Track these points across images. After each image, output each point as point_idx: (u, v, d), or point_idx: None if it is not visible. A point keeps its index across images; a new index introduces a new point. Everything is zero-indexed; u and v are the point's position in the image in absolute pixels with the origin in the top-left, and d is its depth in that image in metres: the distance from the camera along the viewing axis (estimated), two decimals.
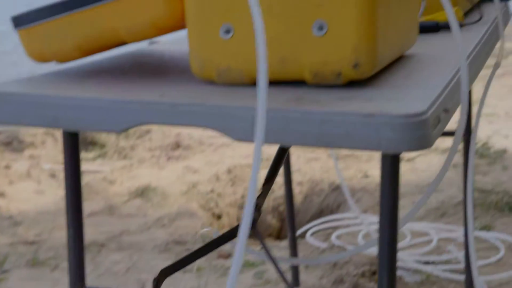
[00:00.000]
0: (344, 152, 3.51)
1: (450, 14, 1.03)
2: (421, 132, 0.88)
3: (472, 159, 1.69)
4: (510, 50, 7.26)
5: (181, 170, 3.54)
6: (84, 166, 3.61)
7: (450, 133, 2.13)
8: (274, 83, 1.06)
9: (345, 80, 1.03)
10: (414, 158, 3.42)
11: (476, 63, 1.29)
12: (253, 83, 1.05)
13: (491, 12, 1.75)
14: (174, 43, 1.52)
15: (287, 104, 0.94)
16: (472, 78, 1.25)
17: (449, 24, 1.49)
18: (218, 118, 0.94)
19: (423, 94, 0.97)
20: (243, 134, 0.93)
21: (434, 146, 3.57)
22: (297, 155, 3.49)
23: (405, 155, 3.47)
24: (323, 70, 1.02)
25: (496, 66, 1.62)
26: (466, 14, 1.69)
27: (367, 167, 3.33)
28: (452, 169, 3.18)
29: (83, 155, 3.86)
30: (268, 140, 0.92)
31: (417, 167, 3.33)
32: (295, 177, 3.27)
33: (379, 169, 1.01)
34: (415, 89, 1.01)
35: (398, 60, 1.22)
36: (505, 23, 1.79)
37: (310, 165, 3.40)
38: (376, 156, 3.43)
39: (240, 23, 1.03)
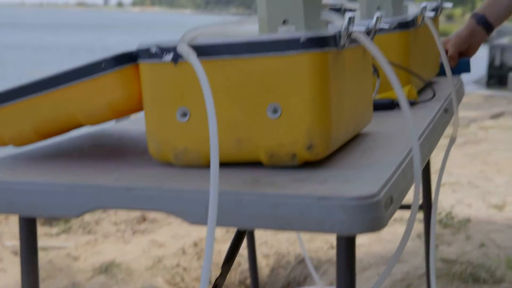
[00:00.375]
0: None
1: (400, 96, 1.06)
2: (373, 214, 0.90)
3: (434, 231, 1.71)
4: (471, 118, 7.41)
5: (147, 244, 3.51)
6: (48, 242, 3.56)
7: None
8: (231, 164, 1.07)
9: (300, 161, 1.04)
10: None
11: (430, 140, 1.32)
12: (209, 165, 1.06)
13: (445, 88, 1.80)
14: (138, 121, 1.54)
15: (242, 187, 0.95)
16: (426, 155, 1.27)
17: (405, 98, 1.54)
18: (173, 202, 0.95)
19: (376, 175, 0.99)
20: (198, 217, 0.94)
21: (399, 217, 3.60)
22: None
23: None
24: (278, 151, 1.04)
25: (452, 141, 1.65)
26: (421, 91, 1.73)
27: (333, 238, 3.33)
28: (417, 239, 3.20)
29: (47, 230, 3.81)
30: (222, 223, 0.93)
31: (383, 237, 3.34)
32: (262, 250, 3.26)
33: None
34: (368, 170, 1.03)
35: (354, 139, 1.25)
36: (459, 99, 1.84)
37: (277, 237, 3.39)
38: None
39: (196, 107, 1.05)
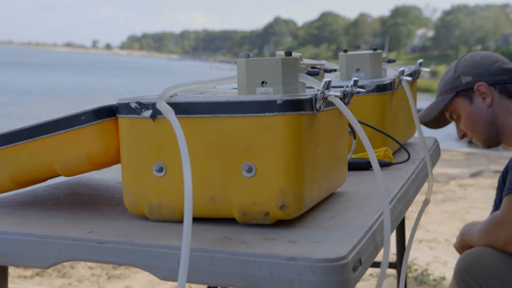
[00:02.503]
0: None
1: (372, 158, 1.08)
2: (341, 276, 0.91)
3: None
4: (451, 176, 7.47)
5: None
6: (20, 285, 3.52)
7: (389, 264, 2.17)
8: (205, 219, 1.09)
9: (272, 220, 1.06)
10: None
11: (403, 201, 1.35)
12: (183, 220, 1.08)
13: (421, 150, 1.83)
14: (117, 170, 1.55)
15: (214, 244, 0.97)
16: (398, 216, 1.29)
17: (380, 163, 1.56)
18: (145, 257, 0.96)
19: (346, 238, 1.01)
20: (168, 273, 0.95)
21: (374, 272, 3.60)
22: None
23: None
24: (252, 209, 1.06)
25: (425, 202, 1.68)
26: (397, 152, 1.76)
27: None
28: None
29: (21, 272, 3.78)
30: (192, 279, 0.94)
31: None
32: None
33: None
34: (339, 231, 1.05)
35: (328, 198, 1.27)
36: (434, 161, 1.87)
37: None
38: None
39: (172, 162, 1.07)
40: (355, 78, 1.27)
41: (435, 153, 1.89)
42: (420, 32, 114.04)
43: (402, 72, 1.65)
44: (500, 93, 1.91)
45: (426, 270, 3.65)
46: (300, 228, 1.06)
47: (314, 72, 1.21)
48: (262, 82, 1.13)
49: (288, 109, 1.04)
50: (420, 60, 1.86)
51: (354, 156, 1.60)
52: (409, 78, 1.63)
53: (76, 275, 3.73)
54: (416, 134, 1.97)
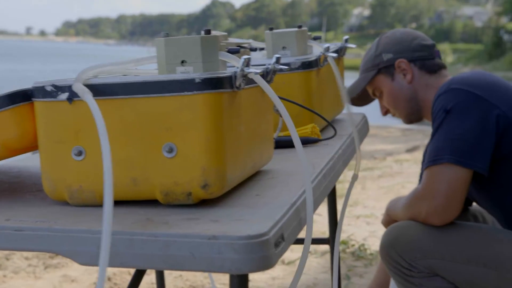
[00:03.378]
0: None
1: (294, 136, 1.08)
2: (262, 253, 0.91)
3: (336, 264, 1.74)
4: (388, 152, 7.59)
5: (58, 279, 3.44)
6: None
7: (323, 240, 2.19)
8: (128, 202, 1.07)
9: (196, 200, 1.06)
10: (294, 261, 3.47)
11: (330, 175, 1.36)
12: None
13: (348, 126, 1.85)
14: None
15: (134, 226, 0.96)
16: (324, 192, 1.30)
17: (307, 140, 1.57)
18: (64, 242, 0.94)
19: (269, 214, 1.01)
20: (89, 258, 0.93)
21: (313, 249, 3.64)
22: None
23: (285, 257, 3.51)
24: (174, 190, 1.05)
25: (354, 177, 1.69)
26: (325, 129, 1.77)
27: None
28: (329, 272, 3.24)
29: None
30: (114, 263, 0.93)
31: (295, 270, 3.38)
32: (176, 283, 3.24)
33: (260, 273, 1.02)
34: (262, 208, 1.05)
35: (254, 176, 1.27)
36: (362, 136, 1.89)
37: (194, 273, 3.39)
38: None
39: (91, 146, 1.05)
40: (277, 55, 1.27)
41: (363, 129, 1.91)
42: (356, 11, 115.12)
43: (327, 49, 1.65)
44: (420, 69, 1.94)
45: (363, 245, 3.70)
46: (223, 207, 1.06)
47: (235, 50, 1.21)
48: (182, 61, 1.12)
49: (207, 87, 1.03)
50: (346, 37, 1.87)
51: (282, 134, 1.60)
52: (334, 55, 1.64)
53: (12, 266, 3.67)
54: (345, 110, 1.99)
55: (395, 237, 1.79)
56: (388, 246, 1.80)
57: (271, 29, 1.70)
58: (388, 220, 1.95)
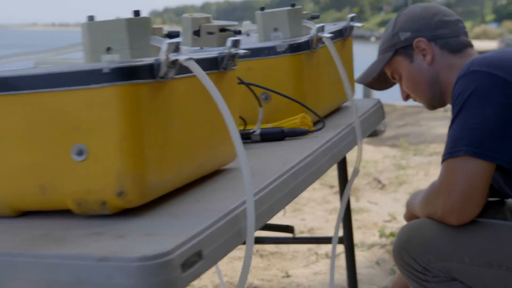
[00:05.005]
0: (269, 248, 3.38)
1: (234, 135, 0.92)
2: (162, 277, 0.76)
3: (333, 266, 1.57)
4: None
5: None
6: None
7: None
8: (39, 213, 0.94)
9: (112, 209, 0.91)
10: (339, 254, 3.29)
11: (306, 173, 1.18)
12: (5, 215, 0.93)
13: (361, 113, 1.66)
14: None
15: (21, 245, 0.82)
16: (294, 191, 1.13)
17: (294, 132, 1.40)
18: None
19: (191, 226, 0.85)
20: None
21: (359, 242, 3.44)
22: None
23: (328, 251, 3.34)
24: (87, 198, 0.91)
25: (355, 173, 1.51)
26: (328, 116, 1.59)
27: (289, 266, 3.19)
28: (376, 266, 3.06)
29: None
30: None
31: (342, 265, 3.20)
32: (214, 278, 3.12)
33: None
34: (189, 218, 0.90)
35: (210, 176, 1.11)
36: (373, 124, 1.69)
37: (232, 265, 3.25)
38: (300, 254, 3.29)
39: None
40: (232, 39, 1.11)
41: (374, 117, 1.71)
42: None
43: (322, 29, 1.47)
44: (442, 48, 1.71)
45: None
46: (144, 217, 0.91)
47: (174, 33, 1.05)
48: (108, 49, 0.97)
49: (118, 78, 0.88)
50: (352, 14, 1.68)
51: (269, 125, 1.44)
52: (329, 35, 1.46)
53: None
54: (358, 96, 1.80)
55: (408, 238, 1.60)
56: (401, 248, 1.61)
57: (262, 8, 1.53)
58: (409, 216, 1.75)
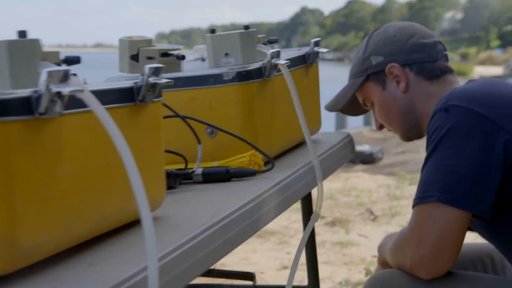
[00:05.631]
0: None
1: (142, 206, 0.75)
2: None
3: None
4: None
5: None
6: None
7: None
8: None
9: None
10: None
11: (241, 224, 1.01)
12: None
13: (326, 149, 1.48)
14: None
15: None
16: (228, 245, 0.95)
17: (241, 172, 1.22)
18: None
19: None
20: None
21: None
22: None
23: None
24: None
25: (314, 218, 1.34)
26: (291, 151, 1.41)
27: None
28: None
29: None
30: None
31: None
32: None
33: None
34: None
35: (122, 230, 0.93)
36: (340, 161, 1.51)
37: None
38: None
39: None
40: (149, 66, 0.93)
41: (342, 152, 1.52)
42: (448, 15, 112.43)
43: (276, 54, 1.30)
44: (418, 75, 1.53)
45: None
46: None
47: (74, 59, 0.87)
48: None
49: None
50: (316, 39, 1.50)
51: (215, 164, 1.26)
52: (283, 62, 1.28)
53: None
54: (329, 125, 1.63)
55: None
56: None
57: (212, 31, 1.36)
58: (383, 261, 1.57)
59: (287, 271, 3.39)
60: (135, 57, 1.28)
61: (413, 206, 1.32)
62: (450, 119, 1.32)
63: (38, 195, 0.75)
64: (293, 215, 4.49)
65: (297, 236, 4.11)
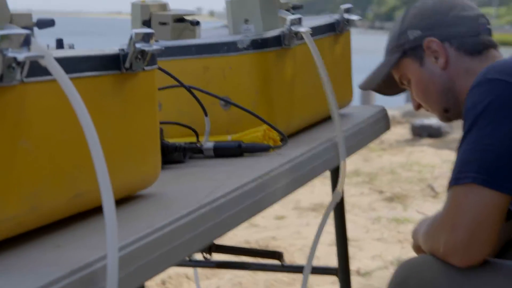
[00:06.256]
0: None
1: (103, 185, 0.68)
2: None
3: None
4: None
5: None
6: None
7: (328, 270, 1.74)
8: None
9: None
10: (372, 272, 3.00)
11: (236, 207, 0.93)
12: None
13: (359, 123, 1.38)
14: None
15: None
16: (216, 230, 0.88)
17: (254, 147, 1.15)
18: None
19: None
20: None
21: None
22: None
23: (360, 267, 3.05)
24: None
25: (335, 197, 1.25)
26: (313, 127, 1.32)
27: (314, 283, 2.92)
28: None
29: None
30: None
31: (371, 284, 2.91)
32: None
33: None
34: (25, 274, 0.66)
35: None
36: (372, 136, 1.41)
37: (255, 278, 3.01)
38: None
39: None
40: (136, 31, 0.86)
41: (372, 128, 1.42)
42: None
43: (297, 21, 1.21)
44: (458, 50, 1.41)
45: None
46: None
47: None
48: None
49: None
50: (347, 5, 1.40)
51: (229, 137, 1.18)
52: (305, 29, 1.19)
53: None
54: (357, 102, 1.53)
55: (404, 279, 1.32)
56: None
57: None
58: (417, 246, 1.47)
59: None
60: (147, 23, 1.21)
61: (448, 188, 1.22)
62: (489, 94, 1.21)
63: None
64: (352, 189, 4.39)
65: (354, 211, 4.01)
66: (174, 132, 1.18)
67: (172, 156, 1.12)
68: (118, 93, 0.86)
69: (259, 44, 1.17)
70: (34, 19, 0.80)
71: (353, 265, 3.06)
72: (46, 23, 0.79)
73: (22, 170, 0.72)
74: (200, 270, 3.01)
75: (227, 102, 1.14)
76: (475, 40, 1.42)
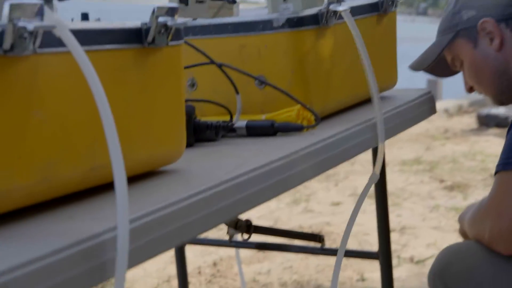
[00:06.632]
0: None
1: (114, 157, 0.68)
2: None
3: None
4: None
5: None
6: None
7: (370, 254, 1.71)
8: None
9: None
10: (425, 260, 2.94)
11: (259, 185, 0.91)
12: None
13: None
14: None
15: None
16: (235, 207, 0.87)
17: (287, 127, 1.13)
18: None
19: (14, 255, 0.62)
20: None
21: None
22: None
23: (414, 255, 2.99)
24: None
25: (372, 179, 1.23)
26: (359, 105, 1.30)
27: (365, 269, 2.89)
28: None
29: None
30: None
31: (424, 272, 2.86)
32: (283, 275, 2.87)
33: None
34: (30, 243, 0.66)
35: (137, 181, 0.87)
36: (412, 120, 1.37)
37: (306, 262, 2.99)
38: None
39: None
40: (158, 5, 0.85)
41: (415, 111, 1.38)
42: None
43: (336, 1, 1.18)
44: None
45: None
46: None
47: None
48: None
49: None
50: None
51: (263, 117, 1.17)
52: (343, 8, 1.16)
53: None
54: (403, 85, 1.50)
55: (446, 264, 1.30)
56: (436, 274, 1.31)
57: None
58: (463, 232, 1.43)
59: (393, 235, 3.25)
60: (184, 1, 1.21)
61: (495, 174, 1.19)
62: None
63: (7, 138, 0.70)
64: (411, 177, 4.32)
65: (412, 199, 3.95)
66: (209, 110, 1.18)
67: (205, 134, 1.11)
68: (140, 68, 0.85)
69: (294, 23, 1.14)
70: None
71: (407, 253, 3.02)
72: None
73: (35, 140, 0.72)
74: (252, 253, 3.02)
75: (261, 81, 1.13)
76: None
